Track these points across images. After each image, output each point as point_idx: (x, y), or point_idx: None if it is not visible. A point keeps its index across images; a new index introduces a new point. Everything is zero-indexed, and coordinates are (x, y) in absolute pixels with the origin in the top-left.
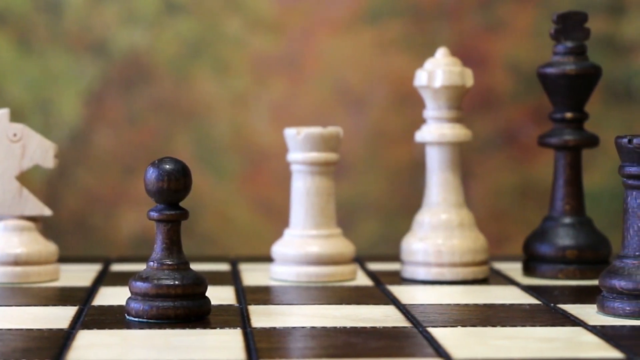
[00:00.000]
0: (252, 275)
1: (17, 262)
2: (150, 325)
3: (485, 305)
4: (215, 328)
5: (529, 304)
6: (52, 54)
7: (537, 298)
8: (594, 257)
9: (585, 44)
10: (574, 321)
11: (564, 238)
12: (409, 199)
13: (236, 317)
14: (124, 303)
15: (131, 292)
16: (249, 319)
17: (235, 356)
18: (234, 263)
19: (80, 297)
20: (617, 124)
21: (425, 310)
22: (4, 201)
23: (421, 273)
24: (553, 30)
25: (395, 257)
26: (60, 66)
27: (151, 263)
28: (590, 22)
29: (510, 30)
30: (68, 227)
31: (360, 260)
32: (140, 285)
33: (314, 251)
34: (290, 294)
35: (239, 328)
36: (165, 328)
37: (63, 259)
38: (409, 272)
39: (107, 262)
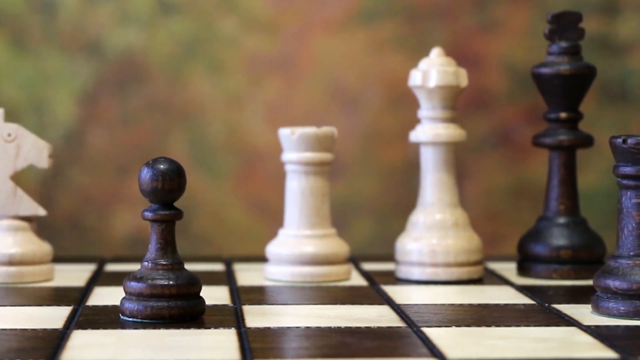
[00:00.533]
0: (247, 275)
1: (11, 262)
2: (144, 325)
3: (479, 305)
4: (209, 328)
5: (524, 304)
6: (46, 54)
7: (532, 298)
8: (588, 257)
9: (580, 44)
10: (568, 321)
11: (559, 238)
12: (403, 199)
13: (231, 317)
14: (118, 303)
15: (125, 292)
16: (243, 319)
17: (230, 356)
18: (229, 263)
19: (74, 297)
20: (611, 124)
21: (419, 310)
22: None
23: (416, 273)
24: (547, 30)
25: (390, 257)
26: (54, 66)
27: (145, 263)
28: (584, 22)
29: (505, 31)
30: (62, 227)
31: (354, 260)
32: (134, 285)
33: (308, 251)
34: (284, 294)
35: (233, 328)
36: (159, 328)
37: (57, 259)
38: (404, 272)
39: (101, 262)
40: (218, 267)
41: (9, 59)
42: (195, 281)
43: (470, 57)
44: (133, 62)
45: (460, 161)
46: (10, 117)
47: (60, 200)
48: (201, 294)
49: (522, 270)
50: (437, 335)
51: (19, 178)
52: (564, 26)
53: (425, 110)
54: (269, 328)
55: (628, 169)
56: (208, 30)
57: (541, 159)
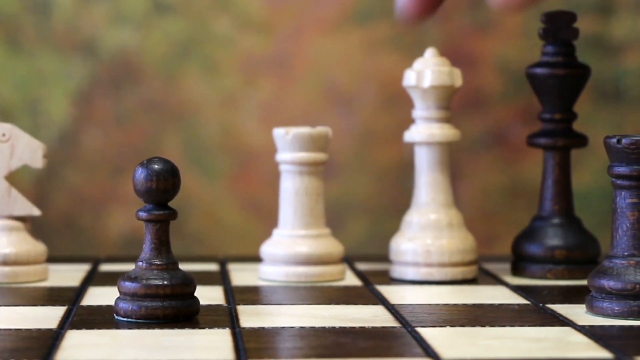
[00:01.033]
0: (241, 275)
1: (5, 262)
2: (139, 326)
3: (474, 305)
4: (204, 328)
5: (518, 304)
6: (40, 54)
7: (526, 298)
8: (582, 257)
9: (574, 44)
10: (562, 321)
11: (553, 238)
12: (397, 199)
13: (225, 317)
14: (112, 303)
15: (120, 292)
16: (237, 319)
17: (224, 356)
18: (223, 263)
19: (69, 297)
20: (606, 124)
21: (414, 310)
22: None
23: (410, 273)
24: (541, 30)
25: (384, 257)
26: (48, 66)
27: (140, 263)
28: (579, 22)
29: (500, 30)
30: (57, 227)
31: (349, 260)
32: (129, 285)
33: (302, 251)
34: (279, 294)
35: (227, 328)
36: (154, 328)
37: (52, 259)
38: (398, 272)
39: (96, 262)
40: (212, 267)
41: (3, 58)
42: (190, 281)
43: (464, 57)
44: (127, 62)
45: (455, 161)
46: (4, 117)
47: (54, 200)
48: (196, 294)
49: (516, 270)
50: (432, 335)
51: (13, 178)
52: (558, 26)
53: (420, 110)
54: (263, 328)
55: (622, 169)
56: (202, 31)
57: (536, 159)
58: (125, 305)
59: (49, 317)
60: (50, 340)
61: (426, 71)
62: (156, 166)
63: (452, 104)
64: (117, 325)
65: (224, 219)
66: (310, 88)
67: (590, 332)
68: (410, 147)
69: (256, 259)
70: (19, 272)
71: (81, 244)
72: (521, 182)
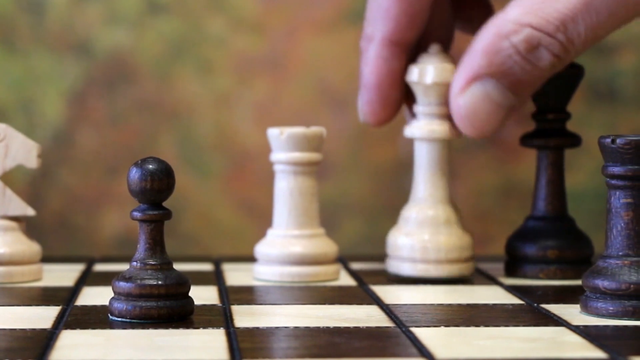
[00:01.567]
0: (235, 275)
1: (0, 262)
2: (133, 325)
3: (468, 305)
4: (198, 328)
5: (512, 304)
6: (35, 54)
7: (520, 298)
8: (575, 257)
9: None
10: (557, 321)
11: (546, 238)
12: (392, 199)
13: (219, 317)
14: (107, 303)
15: (114, 292)
16: (232, 319)
17: (219, 356)
18: (217, 263)
19: (63, 297)
20: (600, 124)
21: (408, 310)
22: None
23: (406, 268)
24: None
25: (379, 257)
26: (43, 66)
27: (134, 263)
28: None
29: None
30: (51, 227)
31: (343, 260)
32: (123, 285)
33: (297, 251)
34: (273, 294)
35: (222, 328)
36: (148, 328)
37: (46, 259)
38: (394, 266)
39: (90, 262)
40: (207, 267)
41: None
42: (184, 281)
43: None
44: (122, 62)
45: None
46: None
47: (49, 200)
48: (190, 294)
49: (510, 270)
50: (426, 335)
51: (7, 178)
52: None
53: (422, 106)
54: (257, 328)
55: (617, 169)
56: (197, 31)
57: (529, 159)
58: (119, 305)
59: (43, 317)
60: (45, 340)
61: (429, 67)
62: (151, 166)
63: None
64: (111, 325)
65: (219, 219)
66: (304, 88)
67: (585, 332)
68: (406, 145)
69: (250, 259)
70: (14, 272)
71: (75, 244)
72: (515, 182)
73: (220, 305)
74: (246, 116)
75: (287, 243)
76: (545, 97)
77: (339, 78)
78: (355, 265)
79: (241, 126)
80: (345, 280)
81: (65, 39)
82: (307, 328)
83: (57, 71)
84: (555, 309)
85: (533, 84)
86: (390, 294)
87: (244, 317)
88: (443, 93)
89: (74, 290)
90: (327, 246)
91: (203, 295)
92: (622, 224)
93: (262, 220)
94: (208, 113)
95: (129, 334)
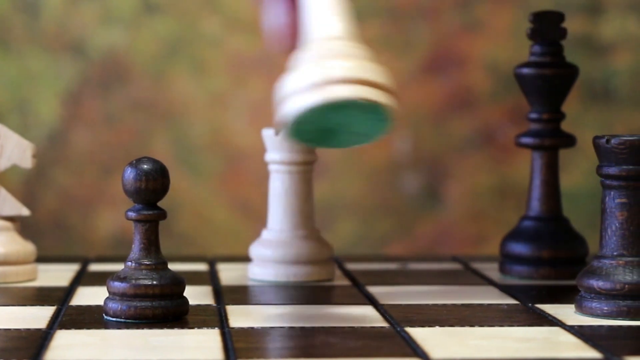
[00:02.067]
0: (230, 275)
1: None
2: (128, 326)
3: (463, 305)
4: (193, 328)
5: (507, 304)
6: (29, 54)
7: (515, 298)
8: (570, 257)
9: (562, 44)
10: (551, 321)
11: (540, 238)
12: (387, 199)
13: (214, 317)
14: (102, 303)
15: (109, 292)
16: (227, 319)
17: (213, 356)
18: (212, 263)
19: (58, 297)
20: (595, 124)
21: (403, 310)
22: None
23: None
24: (529, 30)
25: (374, 257)
26: (38, 66)
27: (129, 263)
28: (567, 21)
29: (489, 30)
30: (46, 227)
31: (338, 260)
32: (118, 285)
33: (292, 251)
34: (268, 294)
35: (217, 328)
36: (143, 328)
37: (41, 258)
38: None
39: (85, 262)
40: (201, 267)
41: None
42: (179, 281)
43: (453, 57)
44: (116, 62)
45: (444, 161)
46: None
47: (43, 200)
48: (185, 294)
49: (504, 270)
50: (421, 335)
51: (2, 178)
52: (546, 26)
53: None
54: (252, 328)
55: (611, 169)
56: (191, 30)
57: (524, 159)
58: (114, 305)
59: (38, 317)
60: (40, 340)
61: None
62: (145, 166)
63: (441, 103)
64: (106, 325)
65: (213, 219)
66: None
67: (580, 332)
68: (402, 148)
69: (245, 258)
70: (8, 272)
71: (70, 243)
72: (510, 182)
73: (215, 305)
74: (241, 116)
75: (281, 243)
76: (539, 97)
77: None
78: (350, 265)
79: (236, 126)
80: (340, 280)
81: (60, 39)
82: (302, 328)
83: (51, 71)
84: (549, 309)
85: None
86: (385, 294)
87: (239, 317)
88: None
89: (69, 290)
90: (322, 246)
91: (198, 295)
92: (617, 224)
93: (257, 220)
94: (203, 113)
95: (123, 334)
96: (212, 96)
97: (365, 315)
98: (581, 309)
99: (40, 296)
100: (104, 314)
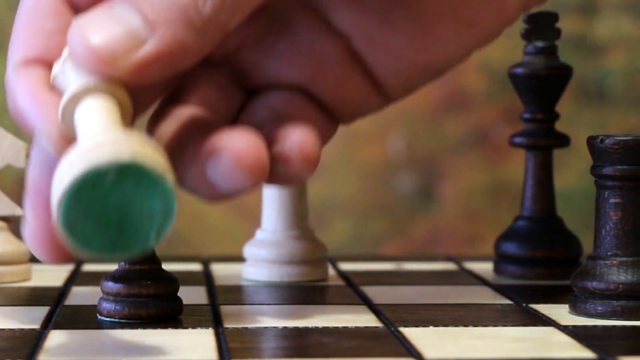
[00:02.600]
0: (224, 275)
1: None
2: (122, 326)
3: (457, 305)
4: (187, 328)
5: (501, 304)
6: None
7: (509, 298)
8: (564, 257)
9: (556, 44)
10: (545, 321)
11: (534, 238)
12: (381, 199)
13: (208, 317)
14: (95, 303)
15: (103, 292)
16: (221, 319)
17: (208, 356)
18: (206, 263)
19: (52, 297)
20: (589, 124)
21: (397, 310)
22: None
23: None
24: (524, 30)
25: (368, 257)
26: None
27: (123, 263)
28: (561, 22)
29: None
30: None
31: (332, 260)
32: (112, 285)
33: (286, 251)
34: (262, 294)
35: (211, 328)
36: (137, 328)
37: (35, 259)
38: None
39: (78, 262)
40: (196, 267)
41: None
42: (173, 281)
43: None
44: None
45: (438, 161)
46: None
47: None
48: (179, 294)
49: (498, 270)
50: (415, 335)
51: None
52: (540, 26)
53: None
54: (246, 328)
55: (606, 169)
56: None
57: (518, 159)
58: (108, 306)
59: (32, 317)
60: (34, 340)
61: None
62: None
63: (435, 103)
64: (100, 325)
65: (207, 219)
66: None
67: (574, 332)
68: (396, 146)
69: (239, 259)
70: (2, 272)
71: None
72: (504, 182)
73: (209, 305)
74: None
75: (275, 243)
76: (533, 97)
77: None
78: (345, 265)
79: None
80: (334, 280)
81: None
82: (295, 328)
83: None
84: (544, 309)
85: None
86: (379, 294)
87: (233, 317)
88: None
89: (63, 290)
90: (316, 246)
91: (192, 295)
92: (611, 224)
93: (251, 220)
94: None
95: (117, 334)
96: None
97: (359, 315)
98: (575, 309)
99: (34, 296)
100: (97, 314)
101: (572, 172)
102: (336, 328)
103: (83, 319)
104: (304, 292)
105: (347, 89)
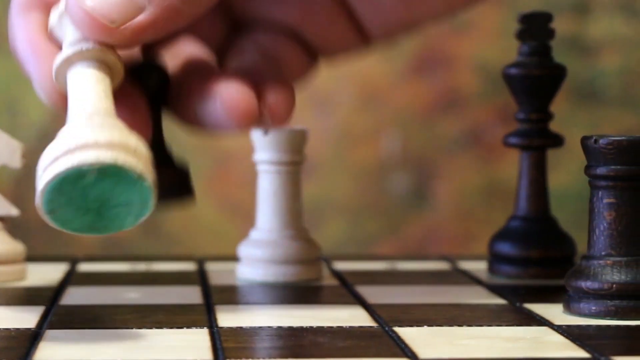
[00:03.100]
0: (219, 274)
1: None
2: (117, 325)
3: (451, 304)
4: (182, 328)
5: (495, 304)
6: None
7: (503, 298)
8: (558, 257)
9: (550, 44)
10: (539, 321)
11: (528, 238)
12: (376, 199)
13: (203, 316)
14: (91, 303)
15: None
16: (215, 319)
17: (202, 356)
18: (201, 263)
19: (47, 296)
20: (583, 124)
21: (391, 309)
22: None
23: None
24: (518, 30)
25: (363, 257)
26: None
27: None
28: (555, 22)
29: (477, 31)
30: (35, 226)
31: (327, 259)
32: None
33: (280, 251)
34: (256, 294)
35: (205, 328)
36: (132, 327)
37: (30, 258)
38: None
39: (74, 262)
40: (190, 266)
41: None
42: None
43: (442, 58)
44: None
45: (432, 161)
46: None
47: (33, 200)
48: (174, 287)
49: (492, 270)
50: (409, 335)
51: None
52: (534, 26)
53: None
54: (241, 327)
55: (600, 169)
56: None
57: (512, 159)
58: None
59: (27, 316)
60: (29, 339)
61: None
62: None
63: (429, 104)
64: (95, 325)
65: (202, 219)
66: None
67: (567, 331)
68: (390, 146)
69: (234, 258)
70: None
71: (59, 243)
72: (498, 182)
73: (204, 304)
74: None
75: (270, 243)
76: (527, 97)
77: (322, 78)
78: (339, 265)
79: None
80: (329, 280)
81: None
82: (290, 328)
83: None
84: (538, 308)
85: None
86: (374, 293)
87: (228, 316)
88: None
89: (58, 290)
90: (310, 246)
91: (186, 294)
92: (605, 224)
93: (246, 220)
94: None
95: (112, 334)
96: None
97: (353, 315)
98: (569, 309)
99: (30, 296)
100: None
101: (566, 172)
102: (330, 328)
103: (78, 319)
104: (298, 292)
105: (333, 32)
